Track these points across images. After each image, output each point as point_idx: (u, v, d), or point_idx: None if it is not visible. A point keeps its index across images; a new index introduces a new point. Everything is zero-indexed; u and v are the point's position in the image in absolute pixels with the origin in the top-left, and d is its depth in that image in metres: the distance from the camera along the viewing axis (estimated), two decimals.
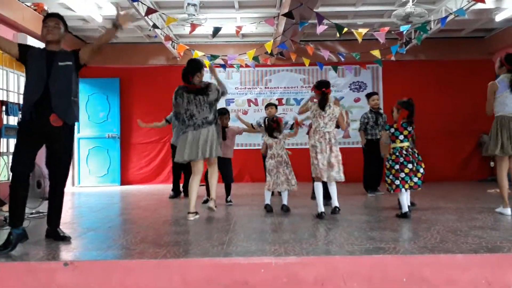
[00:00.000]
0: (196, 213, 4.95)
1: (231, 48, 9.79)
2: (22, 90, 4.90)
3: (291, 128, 6.60)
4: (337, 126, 5.12)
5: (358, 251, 3.23)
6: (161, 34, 8.09)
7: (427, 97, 9.45)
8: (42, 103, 3.56)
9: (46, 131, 3.61)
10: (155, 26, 7.13)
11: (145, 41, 9.91)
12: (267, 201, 5.38)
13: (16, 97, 7.58)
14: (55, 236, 3.81)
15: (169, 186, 7.46)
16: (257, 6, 8.15)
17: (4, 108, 6.03)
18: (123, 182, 9.96)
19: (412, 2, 7.05)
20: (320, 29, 6.15)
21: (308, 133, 5.84)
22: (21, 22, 7.09)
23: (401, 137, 4.83)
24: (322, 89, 4.97)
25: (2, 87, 7.33)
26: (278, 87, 10.21)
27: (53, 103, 3.58)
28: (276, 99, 9.97)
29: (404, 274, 2.93)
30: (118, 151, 9.95)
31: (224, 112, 6.09)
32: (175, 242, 3.66)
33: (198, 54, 7.42)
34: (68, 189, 9.10)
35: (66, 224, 4.62)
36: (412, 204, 4.97)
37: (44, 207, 4.05)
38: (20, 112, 3.72)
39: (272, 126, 5.38)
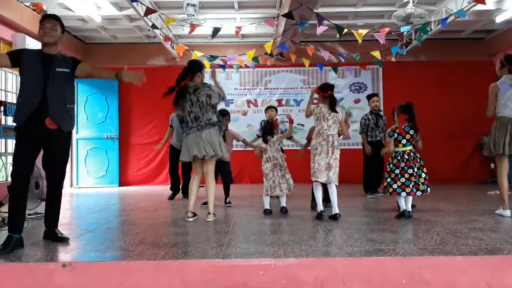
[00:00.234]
0: (195, 214, 4.95)
1: (230, 49, 9.78)
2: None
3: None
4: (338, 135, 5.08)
5: (357, 253, 3.22)
6: (160, 34, 8.08)
7: (427, 98, 9.44)
8: (39, 107, 3.53)
9: (44, 133, 3.59)
10: (154, 26, 7.11)
11: (144, 41, 9.91)
12: (266, 206, 5.34)
13: (14, 97, 7.56)
14: (53, 237, 3.80)
15: (168, 187, 7.44)
16: (257, 7, 8.14)
17: (2, 108, 6.01)
18: (122, 183, 9.93)
19: (413, 3, 7.04)
20: (320, 29, 6.15)
21: (307, 137, 5.81)
22: (20, 22, 7.07)
23: (404, 141, 4.83)
24: (328, 92, 4.94)
25: (0, 87, 7.32)
26: (277, 88, 10.20)
27: (50, 108, 3.56)
28: (276, 100, 9.97)
29: (404, 276, 2.92)
30: (116, 152, 9.93)
31: (224, 114, 6.08)
32: (174, 243, 3.64)
33: (197, 54, 7.42)
34: (67, 190, 9.10)
35: (64, 225, 4.61)
36: (413, 206, 4.97)
37: (42, 208, 4.03)
38: (15, 116, 3.65)
39: (267, 128, 5.37)
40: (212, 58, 7.60)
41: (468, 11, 6.80)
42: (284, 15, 6.23)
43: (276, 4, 7.94)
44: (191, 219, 4.85)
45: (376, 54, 7.10)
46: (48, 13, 6.53)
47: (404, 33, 6.91)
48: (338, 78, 9.90)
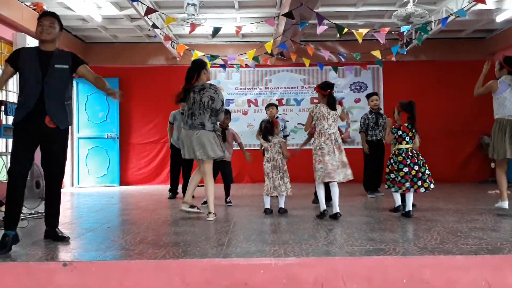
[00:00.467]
0: (193, 205, 5.03)
1: (231, 48, 9.78)
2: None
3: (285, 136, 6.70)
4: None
5: (358, 252, 3.22)
6: (160, 34, 8.08)
7: (427, 97, 9.44)
8: (37, 104, 3.54)
9: (42, 131, 3.59)
10: (154, 26, 7.11)
11: (145, 41, 9.90)
12: (267, 205, 5.35)
13: (15, 97, 7.55)
14: (54, 236, 3.80)
15: (169, 186, 7.44)
16: (257, 6, 8.13)
17: (3, 108, 6.00)
18: (122, 182, 9.93)
19: (413, 2, 7.04)
20: (320, 29, 6.14)
21: (309, 133, 5.79)
22: (20, 21, 7.08)
23: (407, 138, 4.85)
24: (328, 90, 4.96)
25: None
26: (278, 88, 10.19)
27: (46, 105, 3.56)
28: (276, 100, 9.95)
29: (404, 275, 2.92)
30: (117, 151, 9.92)
31: (225, 112, 6.08)
32: (175, 242, 3.65)
33: (197, 54, 7.41)
34: (67, 189, 9.12)
35: (65, 225, 4.61)
36: (413, 205, 4.97)
37: (43, 207, 4.03)
38: (14, 114, 3.66)
39: (267, 128, 5.38)
40: (213, 57, 7.59)
41: (469, 10, 6.80)
42: (284, 15, 6.22)
43: (276, 3, 7.94)
44: (184, 208, 4.96)
45: (377, 53, 7.09)
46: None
47: (405, 33, 6.91)
48: (338, 78, 9.90)
